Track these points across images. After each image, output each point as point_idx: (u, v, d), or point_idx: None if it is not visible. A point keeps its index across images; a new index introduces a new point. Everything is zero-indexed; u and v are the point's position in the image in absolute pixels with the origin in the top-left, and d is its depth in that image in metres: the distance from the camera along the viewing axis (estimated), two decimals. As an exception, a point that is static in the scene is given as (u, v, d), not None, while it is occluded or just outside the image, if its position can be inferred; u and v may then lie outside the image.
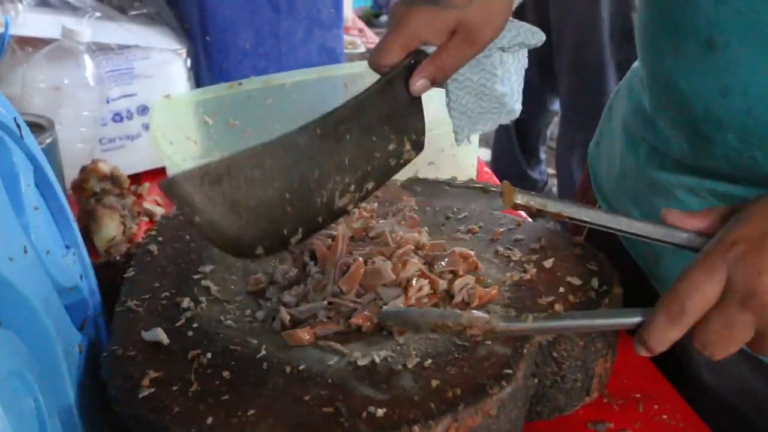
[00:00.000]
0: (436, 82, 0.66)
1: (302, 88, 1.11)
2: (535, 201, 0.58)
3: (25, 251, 0.48)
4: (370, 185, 0.65)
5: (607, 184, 0.79)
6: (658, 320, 0.48)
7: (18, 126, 0.55)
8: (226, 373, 0.52)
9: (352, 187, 0.63)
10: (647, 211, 0.70)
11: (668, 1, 0.62)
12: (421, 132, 0.68)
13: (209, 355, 0.54)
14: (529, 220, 0.80)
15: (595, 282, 0.62)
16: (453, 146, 1.00)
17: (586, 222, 0.58)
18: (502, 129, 2.56)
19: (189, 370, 0.52)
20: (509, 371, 0.52)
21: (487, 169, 1.16)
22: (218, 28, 1.09)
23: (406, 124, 0.67)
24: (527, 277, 0.63)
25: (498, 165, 2.69)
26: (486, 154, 2.85)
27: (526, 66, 0.72)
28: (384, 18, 4.74)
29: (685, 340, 0.49)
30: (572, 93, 2.26)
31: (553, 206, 0.58)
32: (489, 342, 0.54)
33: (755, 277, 0.44)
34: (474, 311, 0.52)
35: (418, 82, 0.64)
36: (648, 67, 0.69)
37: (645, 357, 0.62)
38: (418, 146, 0.68)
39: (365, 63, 1.18)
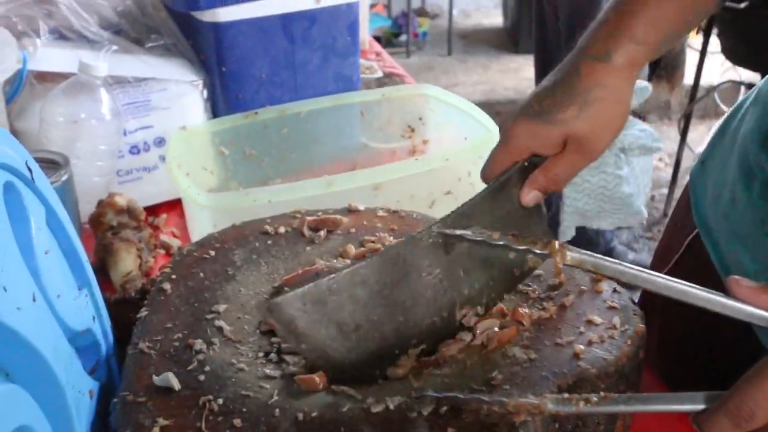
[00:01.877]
0: (546, 193, 0.63)
1: (318, 117, 1.11)
2: (587, 262, 0.55)
3: (34, 299, 0.47)
4: (491, 297, 0.62)
5: (712, 213, 0.74)
6: (722, 421, 0.44)
7: (30, 169, 0.55)
8: (237, 421, 0.51)
9: (470, 298, 0.60)
10: (754, 252, 0.65)
11: None
12: (548, 235, 0.64)
13: (220, 401, 0.53)
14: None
15: (617, 320, 0.60)
16: (470, 175, 0.99)
17: (642, 287, 0.54)
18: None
19: (200, 417, 0.51)
20: (527, 418, 0.50)
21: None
22: (234, 58, 1.09)
23: (525, 227, 0.63)
24: (546, 315, 0.61)
25: None
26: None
27: (650, 169, 0.69)
28: (403, 38, 4.77)
29: None
30: None
31: (608, 269, 0.54)
32: (507, 387, 0.53)
33: None
34: (521, 399, 0.49)
35: (529, 194, 0.62)
36: None
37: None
38: (545, 251, 0.63)
39: (382, 90, 1.19)
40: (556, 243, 0.56)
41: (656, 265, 0.86)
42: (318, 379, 0.54)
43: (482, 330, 0.60)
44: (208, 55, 1.10)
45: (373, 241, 0.73)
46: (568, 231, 0.64)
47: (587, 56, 0.62)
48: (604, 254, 0.57)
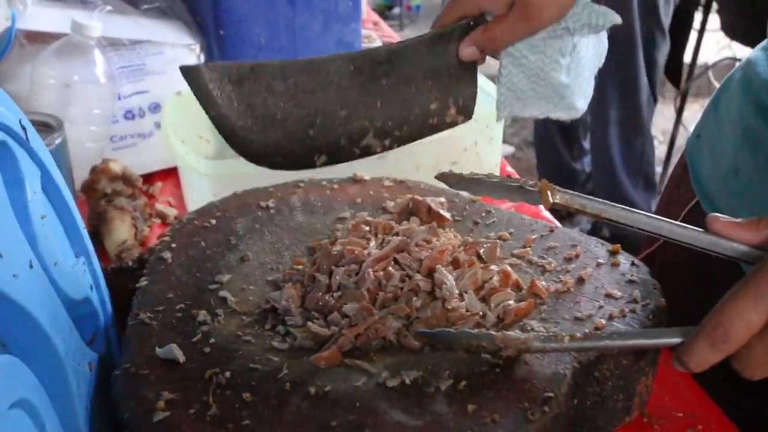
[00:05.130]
0: (485, 52, 0.63)
1: (318, 84, 1.08)
2: (575, 201, 0.55)
3: (31, 265, 0.44)
4: (402, 134, 0.63)
5: (712, 182, 0.74)
6: (700, 344, 0.46)
7: (24, 128, 0.51)
8: (246, 395, 0.49)
9: (381, 131, 0.62)
10: (764, 214, 0.66)
11: None
12: (471, 99, 0.66)
13: (228, 374, 0.50)
14: (559, 225, 0.76)
15: (637, 294, 0.58)
16: (476, 145, 0.96)
17: (626, 225, 0.55)
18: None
19: (207, 391, 0.49)
20: (550, 394, 0.48)
21: (510, 168, 1.12)
22: (232, 21, 1.05)
23: (453, 87, 0.64)
24: (564, 288, 0.59)
25: (539, 155, 2.64)
26: (506, 149, 2.80)
27: (601, 64, 0.68)
28: (396, 10, 4.70)
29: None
30: (603, 70, 2.24)
31: (593, 207, 0.55)
32: (527, 361, 0.51)
33: None
34: (508, 332, 0.49)
35: (466, 49, 0.62)
36: None
37: (688, 374, 0.59)
38: (466, 113, 0.66)
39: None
40: (545, 182, 0.56)
41: (651, 240, 0.85)
42: (334, 356, 0.52)
43: (497, 303, 0.57)
44: (205, 18, 1.06)
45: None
46: (502, 108, 0.61)
47: None
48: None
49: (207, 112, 0.55)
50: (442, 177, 0.63)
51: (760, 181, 0.67)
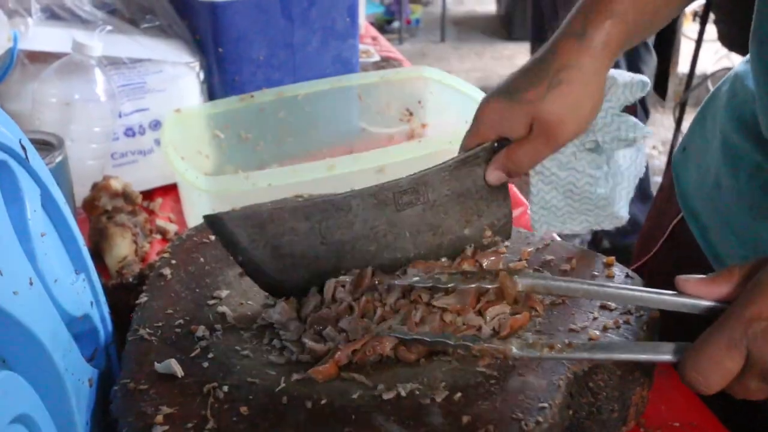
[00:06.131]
0: (511, 175, 0.63)
1: (315, 100, 1.09)
2: (540, 285, 0.55)
3: (31, 283, 0.45)
4: (438, 262, 0.62)
5: (697, 198, 0.74)
6: (687, 384, 0.47)
7: (24, 148, 0.52)
8: (243, 409, 0.49)
9: (415, 261, 0.62)
10: (741, 236, 0.65)
11: None
12: (507, 219, 0.65)
13: (226, 388, 0.51)
14: (558, 238, 0.77)
15: (631, 306, 0.58)
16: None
17: (596, 298, 0.56)
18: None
19: (205, 405, 0.50)
20: (544, 405, 0.48)
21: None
22: (231, 39, 1.06)
23: (485, 209, 0.64)
24: (559, 300, 0.60)
25: None
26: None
27: (642, 174, 0.67)
28: (396, 24, 4.73)
29: None
30: None
31: (560, 289, 0.55)
32: (522, 372, 0.51)
33: None
34: (485, 343, 0.51)
35: (492, 174, 0.62)
36: (762, 89, 0.63)
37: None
38: (504, 233, 0.65)
39: (381, 73, 1.17)
40: (505, 274, 0.56)
41: (640, 251, 0.85)
42: (331, 370, 0.52)
43: (493, 316, 0.58)
44: (205, 36, 1.07)
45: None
46: (538, 226, 0.61)
47: (564, 34, 0.59)
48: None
49: (234, 258, 0.59)
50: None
51: (738, 201, 0.67)
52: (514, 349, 0.50)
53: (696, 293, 0.50)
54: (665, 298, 0.51)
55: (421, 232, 0.62)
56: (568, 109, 0.58)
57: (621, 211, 0.66)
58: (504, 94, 0.60)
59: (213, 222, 0.57)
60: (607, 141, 0.62)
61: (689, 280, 0.50)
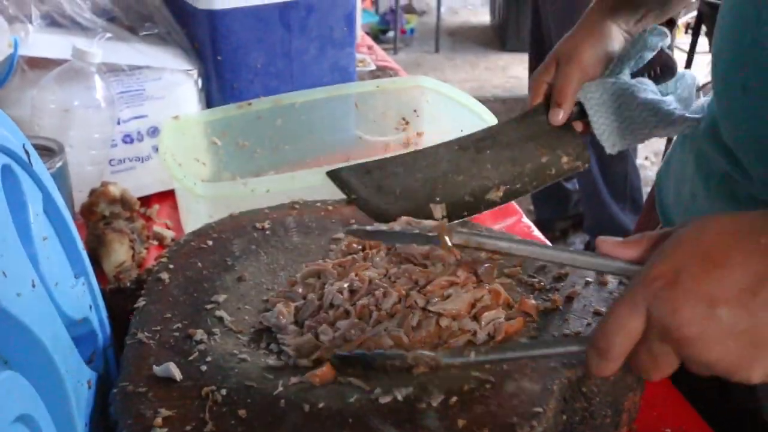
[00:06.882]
0: (560, 106, 0.77)
1: (312, 108, 1.10)
2: (472, 240, 0.57)
3: (33, 285, 0.46)
4: (520, 187, 0.76)
5: (675, 209, 0.77)
6: (591, 354, 0.48)
7: (27, 153, 0.53)
8: (241, 412, 0.50)
9: (501, 186, 0.76)
10: None
11: (737, 42, 0.63)
12: (582, 148, 0.78)
13: (224, 391, 0.52)
14: (548, 243, 0.78)
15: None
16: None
17: (524, 256, 0.59)
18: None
19: (203, 408, 0.50)
20: (539, 409, 0.49)
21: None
22: (229, 47, 1.07)
23: (556, 144, 0.77)
24: (553, 306, 0.61)
25: None
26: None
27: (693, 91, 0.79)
28: (390, 34, 4.75)
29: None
30: None
31: (490, 244, 0.56)
32: (516, 377, 0.52)
33: (670, 315, 0.44)
34: (421, 351, 0.52)
35: (551, 113, 0.77)
36: (720, 101, 0.67)
37: (677, 390, 0.60)
38: (583, 159, 0.78)
39: (378, 82, 1.18)
40: (444, 224, 0.59)
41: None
42: (328, 374, 0.53)
43: (488, 321, 0.59)
44: (203, 44, 1.08)
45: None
46: (609, 146, 0.72)
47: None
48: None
49: (349, 197, 0.75)
50: (351, 232, 0.65)
51: (710, 209, 0.69)
52: (444, 358, 0.52)
53: (610, 253, 0.53)
54: (582, 257, 0.54)
55: (501, 163, 0.76)
56: (571, 46, 0.78)
57: (680, 112, 0.74)
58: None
59: (333, 173, 0.75)
60: (636, 59, 0.76)
61: (606, 241, 0.54)
